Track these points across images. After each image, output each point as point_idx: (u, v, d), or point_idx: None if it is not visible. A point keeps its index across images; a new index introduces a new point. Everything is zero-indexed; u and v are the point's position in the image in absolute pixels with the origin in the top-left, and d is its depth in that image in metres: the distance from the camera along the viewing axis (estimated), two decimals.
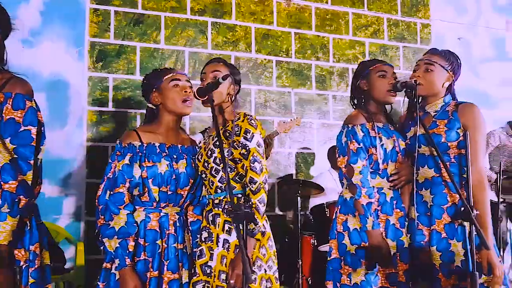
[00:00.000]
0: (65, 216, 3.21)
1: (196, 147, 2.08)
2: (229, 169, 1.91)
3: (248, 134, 1.89)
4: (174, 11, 3.60)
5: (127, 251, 1.84)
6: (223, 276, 1.86)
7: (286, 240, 3.53)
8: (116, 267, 1.86)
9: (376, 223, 2.07)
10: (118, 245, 1.84)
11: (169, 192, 1.94)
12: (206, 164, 1.98)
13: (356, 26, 4.17)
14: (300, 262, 3.21)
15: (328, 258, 2.18)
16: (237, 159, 1.91)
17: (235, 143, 1.91)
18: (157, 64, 3.48)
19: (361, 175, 2.07)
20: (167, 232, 1.94)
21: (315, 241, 3.28)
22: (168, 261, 1.90)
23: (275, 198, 3.73)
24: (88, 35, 3.37)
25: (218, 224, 1.94)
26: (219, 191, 1.97)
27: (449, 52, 2.21)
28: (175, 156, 1.98)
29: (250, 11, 3.83)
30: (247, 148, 1.87)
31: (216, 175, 1.95)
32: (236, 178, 1.93)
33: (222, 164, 1.92)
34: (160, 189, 1.92)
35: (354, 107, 2.26)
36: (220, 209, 1.95)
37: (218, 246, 1.90)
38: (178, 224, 1.97)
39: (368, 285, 2.06)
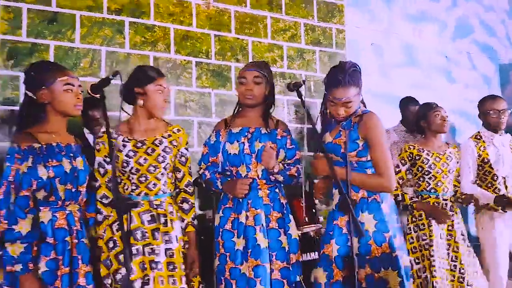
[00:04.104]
0: None
1: (80, 145, 2.15)
2: None
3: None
4: (90, 10, 3.58)
5: (31, 256, 1.86)
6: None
7: (202, 238, 3.59)
8: (18, 272, 1.87)
9: None
10: (23, 250, 1.85)
11: (73, 190, 1.99)
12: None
13: (275, 30, 4.33)
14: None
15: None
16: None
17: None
18: (71, 63, 3.44)
19: (202, 174, 2.49)
20: (74, 228, 1.99)
21: None
22: (81, 256, 1.96)
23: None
24: None
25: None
26: None
27: (353, 72, 2.29)
28: (71, 155, 2.03)
29: (168, 12, 3.88)
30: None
31: None
32: None
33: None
34: (66, 187, 1.96)
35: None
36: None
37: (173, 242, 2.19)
38: (81, 220, 2.03)
39: None
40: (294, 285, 2.34)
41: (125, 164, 2.15)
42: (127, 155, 2.15)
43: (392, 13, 5.02)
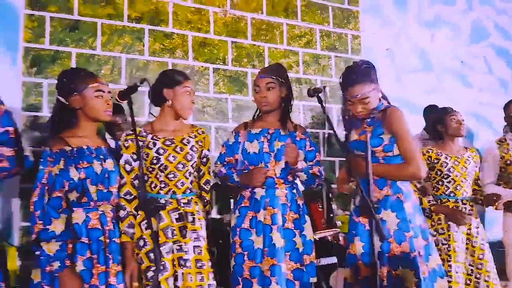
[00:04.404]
0: None
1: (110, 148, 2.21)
2: None
3: None
4: (110, 18, 3.67)
5: (66, 254, 1.93)
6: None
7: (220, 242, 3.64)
8: (56, 269, 1.93)
9: None
10: (59, 248, 1.92)
11: (104, 190, 2.06)
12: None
13: (290, 36, 4.37)
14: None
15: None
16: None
17: None
18: (93, 70, 3.51)
19: (218, 172, 2.53)
20: (107, 228, 2.06)
21: None
22: (112, 255, 2.03)
23: (212, 202, 3.85)
24: (22, 40, 3.38)
25: None
26: None
27: (366, 69, 2.34)
28: (102, 157, 2.09)
29: (186, 20, 3.95)
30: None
31: None
32: None
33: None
34: (98, 188, 2.03)
35: None
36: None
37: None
38: (114, 220, 2.09)
39: None
40: (308, 286, 2.36)
41: (155, 161, 2.20)
42: (157, 152, 2.23)
43: (406, 18, 5.04)
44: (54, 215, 1.96)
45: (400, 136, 2.26)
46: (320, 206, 2.62)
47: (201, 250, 2.22)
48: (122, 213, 2.15)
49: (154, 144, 2.24)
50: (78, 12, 3.57)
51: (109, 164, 2.11)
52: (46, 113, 3.38)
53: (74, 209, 2.04)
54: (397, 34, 4.96)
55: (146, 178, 2.22)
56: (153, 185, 2.23)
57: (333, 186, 3.98)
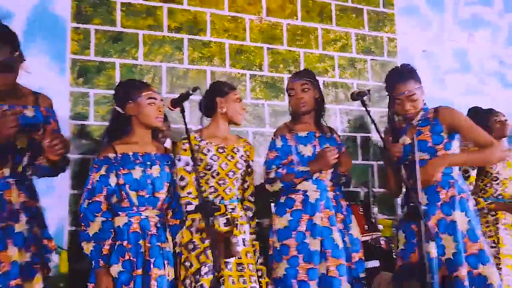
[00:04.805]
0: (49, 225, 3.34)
1: (170, 154, 2.30)
2: None
3: None
4: (151, 29, 3.80)
5: (101, 254, 2.04)
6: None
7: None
8: (94, 267, 2.06)
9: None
10: (93, 249, 2.04)
11: (147, 196, 2.15)
12: None
13: (325, 41, 4.41)
14: None
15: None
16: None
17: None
18: (135, 78, 3.64)
19: (275, 175, 2.47)
20: (149, 233, 2.14)
21: None
22: (153, 259, 2.10)
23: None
24: (69, 52, 3.54)
25: None
26: None
27: (410, 69, 2.41)
28: (148, 163, 2.20)
29: (224, 28, 4.05)
30: None
31: None
32: None
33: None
34: (138, 194, 2.13)
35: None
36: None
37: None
38: (159, 225, 2.17)
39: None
40: (358, 281, 2.39)
41: (208, 167, 2.30)
42: (211, 158, 2.34)
43: (443, 19, 4.99)
44: (90, 218, 2.10)
45: (467, 127, 2.31)
46: (361, 210, 2.63)
47: (240, 255, 2.29)
48: (190, 207, 2.26)
49: (208, 150, 2.34)
50: (121, 24, 3.71)
51: (155, 170, 2.19)
52: (92, 121, 3.54)
53: (119, 213, 2.14)
54: (434, 35, 4.91)
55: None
56: (202, 189, 2.31)
57: (374, 190, 3.98)
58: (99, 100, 3.59)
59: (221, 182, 2.33)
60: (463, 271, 2.16)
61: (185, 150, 2.33)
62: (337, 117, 4.34)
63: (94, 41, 3.63)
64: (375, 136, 4.25)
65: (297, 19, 4.32)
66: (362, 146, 4.35)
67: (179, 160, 2.32)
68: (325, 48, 4.39)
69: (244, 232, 2.37)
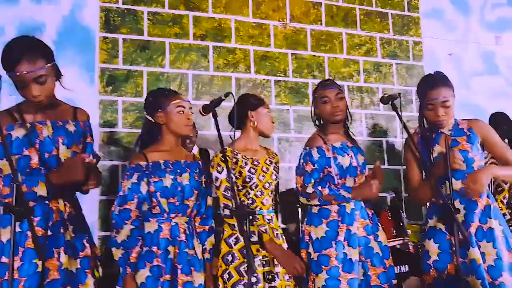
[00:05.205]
0: None
1: (199, 161, 2.33)
2: None
3: None
4: (177, 37, 3.86)
5: (129, 262, 2.08)
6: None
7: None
8: (121, 273, 2.09)
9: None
10: (121, 256, 2.08)
11: (177, 203, 2.18)
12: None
13: (350, 46, 4.40)
14: None
15: None
16: None
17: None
18: (162, 86, 3.69)
19: (312, 188, 2.39)
20: (179, 239, 2.17)
21: None
22: (181, 265, 2.12)
23: (277, 212, 3.91)
24: (98, 61, 3.62)
25: None
26: None
27: (444, 76, 2.40)
28: (178, 171, 2.23)
29: (248, 35, 4.08)
30: None
31: None
32: None
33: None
34: (168, 201, 2.16)
35: (317, 127, 2.59)
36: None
37: None
38: (187, 232, 2.20)
39: None
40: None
41: (247, 179, 2.33)
42: (249, 171, 2.37)
43: (469, 22, 4.93)
44: (120, 225, 2.13)
45: (499, 144, 2.37)
46: (389, 215, 2.61)
47: None
48: (227, 211, 2.29)
49: (246, 164, 2.37)
50: (148, 33, 3.78)
51: (185, 178, 2.22)
52: (121, 128, 3.60)
53: (150, 219, 2.18)
54: (460, 38, 4.85)
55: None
56: (236, 194, 2.34)
57: (403, 195, 3.95)
58: (127, 108, 3.66)
59: (258, 193, 2.37)
60: (506, 276, 2.14)
61: (224, 161, 2.32)
62: (363, 121, 4.32)
63: (122, 50, 3.70)
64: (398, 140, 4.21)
65: (321, 24, 4.33)
66: (387, 151, 4.32)
67: (220, 171, 2.33)
68: (349, 53, 4.38)
69: (284, 241, 2.40)
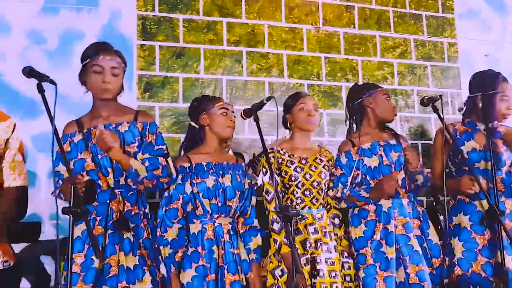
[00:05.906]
0: None
1: (243, 163, 2.40)
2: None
3: None
4: (212, 43, 3.92)
5: (174, 261, 2.14)
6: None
7: None
8: (167, 271, 2.17)
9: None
10: (168, 255, 2.14)
11: (219, 204, 2.25)
12: None
13: (384, 48, 4.38)
14: None
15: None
16: None
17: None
18: (198, 92, 3.78)
19: (340, 192, 2.50)
20: (223, 239, 2.23)
21: None
22: (227, 265, 2.18)
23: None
24: (136, 68, 3.72)
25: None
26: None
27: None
28: (220, 172, 2.29)
29: (281, 40, 4.12)
30: None
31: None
32: None
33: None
34: (211, 202, 2.23)
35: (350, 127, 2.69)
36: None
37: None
38: (231, 232, 2.26)
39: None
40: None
41: (293, 179, 2.38)
42: (295, 170, 2.42)
43: (505, 22, 4.83)
44: (168, 224, 2.21)
45: None
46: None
47: (333, 261, 2.34)
48: (276, 226, 2.33)
49: (292, 163, 2.41)
50: (183, 39, 3.86)
51: (227, 179, 2.28)
52: None
53: (194, 220, 2.24)
54: (496, 39, 4.76)
55: (282, 194, 2.39)
56: (289, 201, 2.39)
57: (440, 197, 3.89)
58: (164, 113, 3.74)
59: (307, 192, 2.42)
60: None
61: (270, 163, 2.38)
62: (397, 124, 4.28)
63: (159, 57, 3.79)
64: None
65: (354, 27, 4.32)
66: (423, 153, 4.26)
67: (264, 173, 2.40)
68: (383, 56, 4.36)
69: (333, 239, 2.43)
